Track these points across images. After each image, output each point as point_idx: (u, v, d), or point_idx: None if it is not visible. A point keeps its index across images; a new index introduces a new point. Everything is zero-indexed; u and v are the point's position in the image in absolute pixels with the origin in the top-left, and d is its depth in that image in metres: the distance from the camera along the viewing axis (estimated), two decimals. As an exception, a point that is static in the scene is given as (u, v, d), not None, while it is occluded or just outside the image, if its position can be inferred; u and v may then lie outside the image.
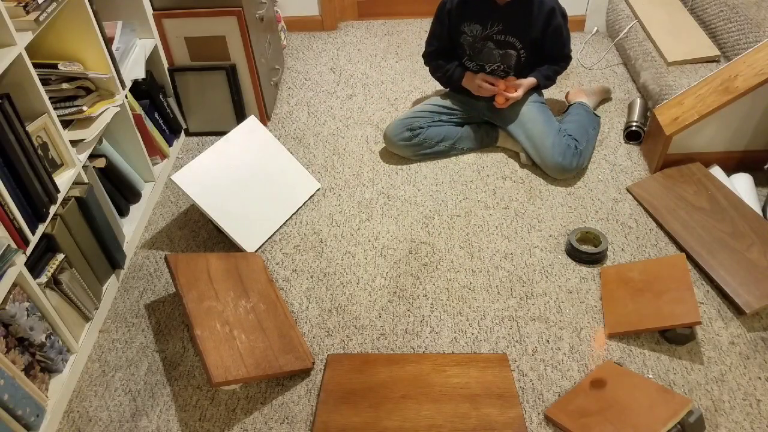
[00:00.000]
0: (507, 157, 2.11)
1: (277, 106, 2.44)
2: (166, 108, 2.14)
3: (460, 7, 1.95)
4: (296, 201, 1.95)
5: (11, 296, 1.28)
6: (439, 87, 2.29)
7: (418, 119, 2.07)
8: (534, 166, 2.04)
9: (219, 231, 1.85)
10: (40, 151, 1.41)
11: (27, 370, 1.33)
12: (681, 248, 1.72)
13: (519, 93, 1.98)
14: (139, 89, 2.01)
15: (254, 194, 1.87)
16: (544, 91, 2.14)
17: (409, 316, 1.60)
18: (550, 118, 2.01)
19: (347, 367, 1.46)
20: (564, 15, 1.94)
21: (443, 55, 2.09)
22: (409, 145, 2.06)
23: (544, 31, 1.93)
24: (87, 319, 1.57)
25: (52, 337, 1.40)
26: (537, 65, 2.03)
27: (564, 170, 1.94)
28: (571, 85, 2.43)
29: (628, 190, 1.94)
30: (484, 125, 2.13)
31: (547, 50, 2.00)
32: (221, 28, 2.06)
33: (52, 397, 1.40)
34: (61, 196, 1.46)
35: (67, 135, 1.56)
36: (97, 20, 1.64)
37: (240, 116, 2.25)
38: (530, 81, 2.01)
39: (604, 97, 2.33)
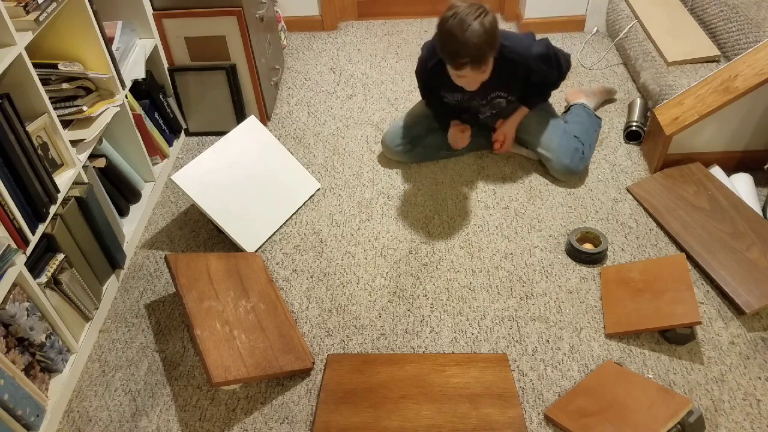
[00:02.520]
0: (507, 157, 2.11)
1: (277, 106, 2.44)
2: (166, 108, 2.14)
3: (436, 76, 1.83)
4: (296, 201, 1.95)
5: (11, 296, 1.28)
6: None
7: (416, 126, 2.04)
8: (534, 166, 2.04)
9: (219, 231, 1.85)
10: (40, 151, 1.41)
11: (27, 370, 1.33)
12: (681, 248, 1.72)
13: (509, 136, 2.00)
14: (139, 89, 2.01)
15: (254, 194, 1.87)
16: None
17: (409, 316, 1.60)
18: (556, 120, 1.99)
19: (347, 367, 1.46)
20: (542, 56, 1.79)
21: (440, 106, 2.02)
22: (408, 154, 2.06)
23: (526, 79, 1.85)
24: (87, 319, 1.57)
25: (52, 337, 1.40)
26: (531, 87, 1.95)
27: (571, 172, 1.94)
28: (571, 85, 2.43)
29: (628, 190, 1.94)
30: (484, 129, 2.13)
31: (535, 83, 1.90)
32: (221, 28, 2.06)
33: (52, 397, 1.40)
34: (61, 196, 1.46)
35: (67, 135, 1.56)
36: (97, 20, 1.64)
37: (240, 116, 2.25)
38: (521, 113, 1.98)
39: (607, 97, 2.32)
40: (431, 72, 1.84)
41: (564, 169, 1.93)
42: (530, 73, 1.82)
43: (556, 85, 1.97)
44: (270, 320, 1.52)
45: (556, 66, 1.87)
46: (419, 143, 2.05)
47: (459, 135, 1.98)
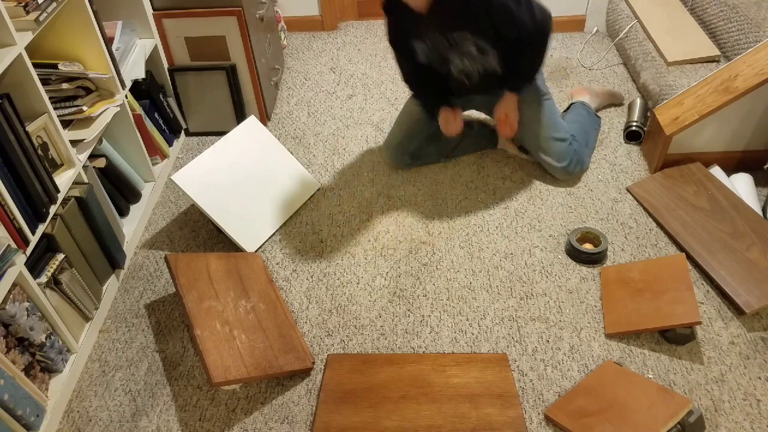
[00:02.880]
0: (507, 157, 2.11)
1: (277, 106, 2.44)
2: (166, 108, 2.14)
3: (397, 30, 1.79)
4: (296, 201, 1.95)
5: (11, 296, 1.28)
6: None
7: (416, 136, 2.00)
8: (534, 166, 2.04)
9: (219, 231, 1.85)
10: (40, 151, 1.41)
11: (27, 370, 1.33)
12: (681, 248, 1.72)
13: (511, 113, 1.86)
14: (139, 89, 2.01)
15: (254, 194, 1.87)
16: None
17: (409, 316, 1.60)
18: (554, 118, 1.95)
19: (347, 367, 1.46)
20: None
21: (420, 77, 1.92)
22: (411, 165, 2.07)
23: (486, 14, 1.61)
24: (87, 319, 1.57)
25: (52, 337, 1.40)
26: (511, 54, 1.79)
27: (567, 173, 1.94)
28: (572, 85, 2.43)
29: (628, 190, 1.94)
30: (483, 129, 2.12)
31: (506, 33, 1.65)
32: (221, 28, 2.06)
33: (52, 397, 1.40)
34: (61, 196, 1.46)
35: (67, 135, 1.56)
36: (97, 20, 1.64)
37: (240, 116, 2.25)
38: (512, 97, 1.86)
39: (612, 102, 2.30)
40: (392, 14, 1.75)
41: (560, 169, 1.93)
42: (489, 10, 1.59)
43: (538, 45, 1.71)
44: (270, 320, 1.52)
45: (526, 6, 1.60)
46: (420, 155, 2.05)
47: (450, 119, 1.89)
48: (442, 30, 1.70)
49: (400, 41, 1.83)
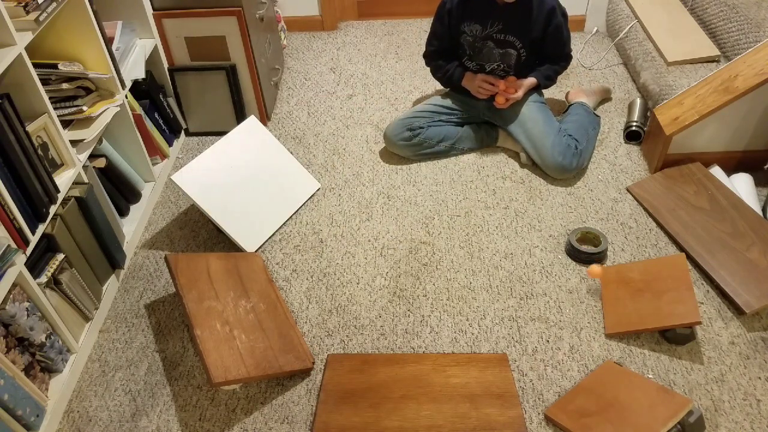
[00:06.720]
0: (507, 157, 2.11)
1: (277, 106, 2.44)
2: (166, 108, 2.14)
3: (460, 6, 1.95)
4: (296, 201, 1.95)
5: (11, 296, 1.28)
6: (440, 87, 2.29)
7: (418, 119, 2.06)
8: (534, 166, 2.04)
9: (219, 231, 1.85)
10: (40, 151, 1.41)
11: (27, 370, 1.33)
12: (681, 248, 1.72)
13: (519, 93, 1.98)
14: (139, 89, 2.01)
15: (254, 194, 1.87)
16: (544, 91, 2.14)
17: (409, 316, 1.60)
18: (550, 117, 2.01)
19: (347, 367, 1.46)
20: (564, 14, 1.94)
21: (443, 56, 2.09)
22: (409, 145, 2.06)
23: (544, 30, 1.92)
24: (87, 319, 1.57)
25: (52, 337, 1.40)
26: (537, 65, 2.04)
27: (564, 170, 1.94)
28: (571, 85, 2.43)
29: (628, 190, 1.94)
30: (484, 125, 2.13)
31: (547, 50, 2.00)
32: (221, 28, 2.06)
33: (52, 397, 1.40)
34: (61, 196, 1.46)
35: (67, 135, 1.56)
36: (97, 20, 1.64)
37: (240, 116, 2.25)
38: (530, 81, 2.01)
39: (605, 97, 2.33)
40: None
41: (557, 166, 1.93)
42: (548, 28, 1.91)
43: (562, 67, 2.05)
44: (270, 320, 1.52)
45: (567, 40, 1.99)
46: (419, 134, 2.05)
47: (474, 77, 2.03)
48: (500, 29, 1.93)
49: (451, 16, 1.99)
